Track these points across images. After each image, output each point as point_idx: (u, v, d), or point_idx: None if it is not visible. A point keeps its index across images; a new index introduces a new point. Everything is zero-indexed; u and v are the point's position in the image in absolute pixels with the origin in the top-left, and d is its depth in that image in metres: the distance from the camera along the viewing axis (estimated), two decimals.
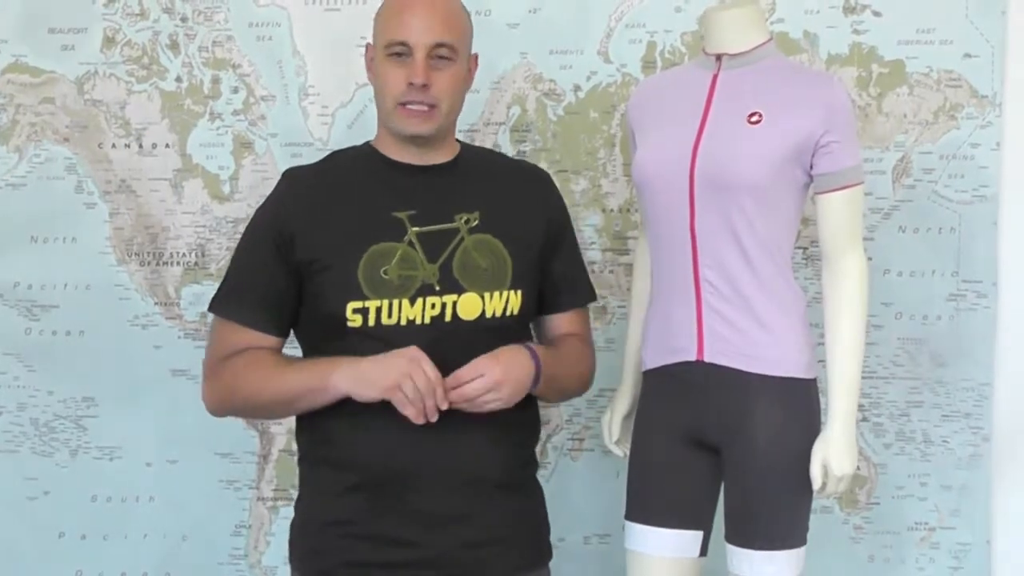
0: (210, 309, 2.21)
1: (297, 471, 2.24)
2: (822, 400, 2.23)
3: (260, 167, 2.82)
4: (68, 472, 2.88)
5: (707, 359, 2.20)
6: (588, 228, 2.83)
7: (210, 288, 2.80)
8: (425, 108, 2.10)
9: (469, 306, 2.10)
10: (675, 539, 2.26)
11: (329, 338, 2.10)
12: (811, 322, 2.27)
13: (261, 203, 2.24)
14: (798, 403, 2.19)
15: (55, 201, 2.84)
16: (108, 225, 2.84)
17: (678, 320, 2.23)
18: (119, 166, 2.83)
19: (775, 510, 2.18)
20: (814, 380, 2.23)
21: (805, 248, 2.77)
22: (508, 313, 2.14)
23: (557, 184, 2.78)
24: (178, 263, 2.85)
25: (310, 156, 2.79)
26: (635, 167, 2.27)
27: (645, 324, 2.34)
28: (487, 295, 2.12)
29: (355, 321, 2.07)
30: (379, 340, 2.05)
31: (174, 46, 2.82)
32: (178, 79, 2.82)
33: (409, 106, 2.10)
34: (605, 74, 2.80)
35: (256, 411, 2.28)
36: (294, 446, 2.81)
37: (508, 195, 2.22)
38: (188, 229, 2.84)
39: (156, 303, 2.85)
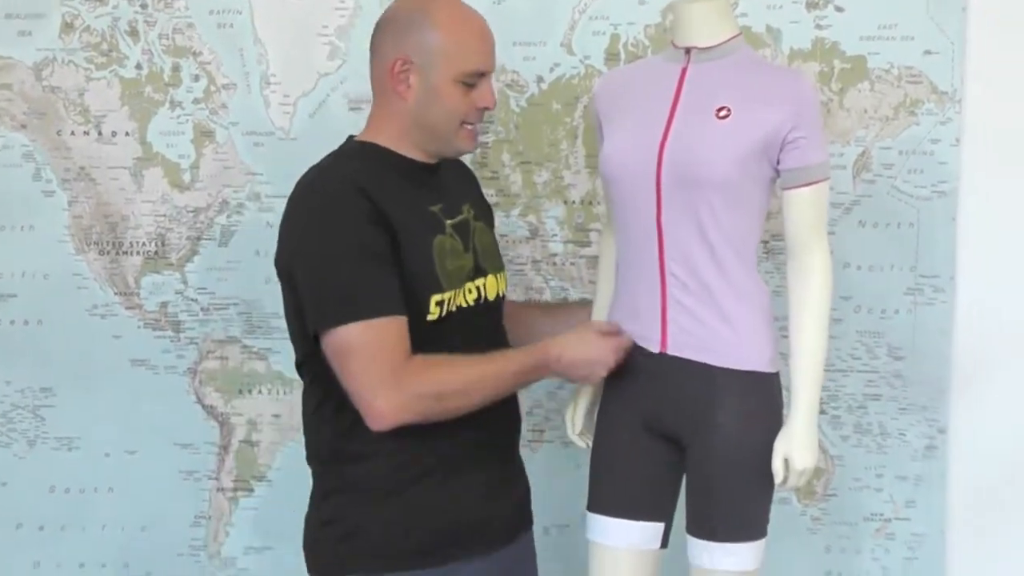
0: (366, 316, 2.05)
1: (309, 471, 2.27)
2: (785, 395, 2.25)
3: (221, 156, 2.82)
4: (26, 463, 2.87)
5: (670, 352, 2.23)
6: (550, 220, 2.84)
7: (170, 278, 2.84)
8: (477, 126, 2.23)
9: (492, 286, 2.28)
10: (636, 530, 2.27)
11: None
12: (774, 316, 2.30)
13: (333, 216, 2.10)
14: (761, 397, 2.21)
15: (12, 189, 2.83)
16: (67, 213, 2.83)
17: (643, 309, 2.25)
18: (78, 154, 2.82)
19: (736, 503, 2.20)
20: (776, 375, 2.25)
21: (766, 242, 2.80)
22: (504, 291, 2.34)
23: (519, 176, 2.82)
24: (138, 252, 2.84)
25: (271, 145, 2.81)
26: (602, 160, 2.28)
27: (609, 315, 2.36)
28: (498, 275, 2.31)
29: (434, 314, 2.13)
30: (442, 329, 2.14)
31: (134, 33, 2.81)
32: (138, 66, 2.81)
33: (470, 127, 2.21)
34: (568, 66, 2.81)
35: (459, 411, 2.14)
36: (254, 436, 2.88)
37: (471, 186, 2.42)
38: (148, 218, 2.83)
39: (115, 293, 2.84)
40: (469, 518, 2.20)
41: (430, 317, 2.13)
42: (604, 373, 2.25)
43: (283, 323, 2.78)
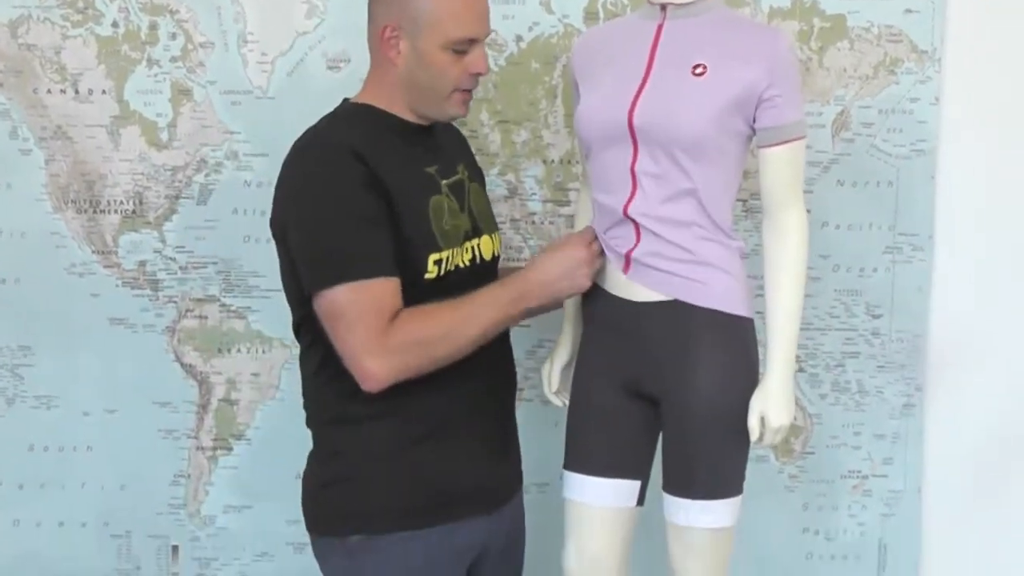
0: (351, 278, 2.05)
1: (308, 431, 2.26)
2: (761, 353, 2.26)
3: (199, 115, 2.81)
4: (4, 421, 2.88)
5: (630, 276, 2.22)
6: (529, 179, 2.84)
7: (148, 236, 2.83)
8: (470, 92, 2.22)
9: (487, 247, 2.28)
10: (612, 488, 2.29)
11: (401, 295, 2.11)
12: (750, 274, 2.30)
13: (327, 180, 2.08)
14: (737, 347, 2.22)
15: None
16: (44, 172, 2.82)
17: (615, 243, 2.25)
18: (55, 112, 2.81)
19: (712, 460, 2.21)
20: (752, 323, 2.25)
21: (744, 200, 2.81)
22: (499, 251, 2.34)
23: (498, 135, 2.81)
24: (115, 211, 2.83)
25: (249, 104, 2.80)
26: (577, 118, 2.28)
27: None
28: (493, 236, 2.32)
29: (432, 272, 2.14)
30: (440, 289, 2.14)
31: None
32: (114, 24, 2.79)
33: (463, 92, 2.20)
34: (547, 25, 2.80)
35: (450, 357, 2.12)
36: (233, 395, 2.88)
37: (463, 148, 2.41)
38: (126, 177, 2.82)
39: (93, 251, 2.84)
40: (471, 478, 2.21)
41: (428, 276, 2.13)
42: (587, 280, 2.23)
43: (262, 282, 2.83)
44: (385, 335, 2.05)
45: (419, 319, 2.08)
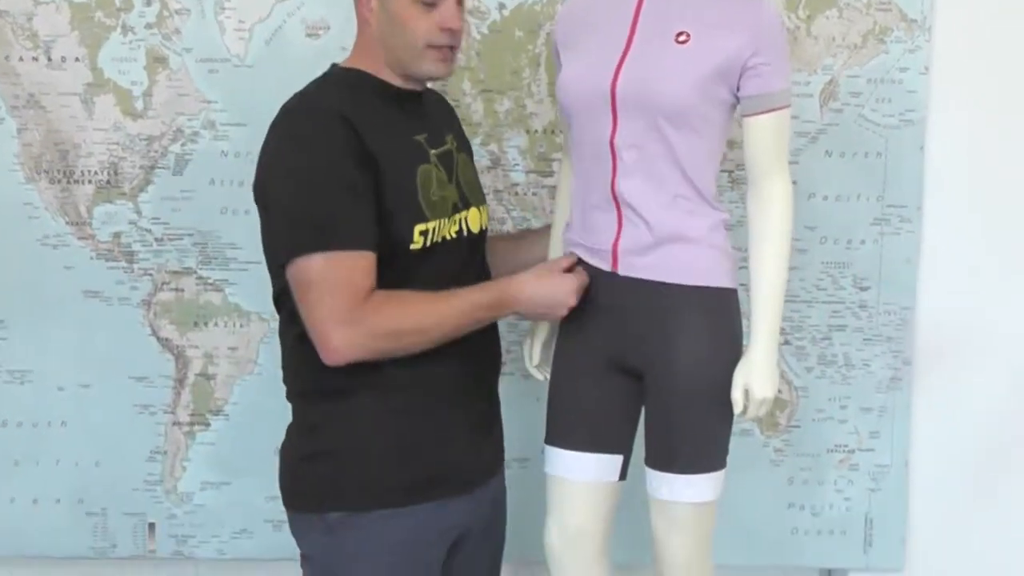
0: (327, 247, 2.02)
1: (290, 406, 2.24)
2: (745, 325, 2.24)
3: (175, 83, 2.77)
4: None
5: (621, 272, 2.21)
6: (512, 149, 2.81)
7: (123, 207, 2.80)
8: (449, 50, 2.18)
9: (475, 219, 2.27)
10: (594, 463, 2.27)
11: (382, 262, 2.09)
12: (735, 246, 2.28)
13: (313, 145, 2.05)
14: (720, 318, 2.21)
15: None
16: (16, 141, 2.78)
17: (598, 229, 2.24)
18: (27, 80, 2.76)
19: (695, 433, 2.20)
20: (735, 293, 2.24)
21: (730, 172, 2.78)
22: (487, 225, 2.33)
23: (480, 104, 2.78)
24: (89, 181, 2.79)
25: (227, 72, 2.76)
26: (558, 86, 2.25)
27: (565, 241, 2.34)
28: (480, 209, 2.30)
29: (418, 243, 2.12)
30: (427, 260, 2.13)
31: None
32: None
33: (437, 49, 2.16)
34: None
35: (415, 349, 2.12)
36: (210, 369, 2.85)
37: (452, 118, 2.40)
38: (100, 146, 2.78)
39: (67, 222, 2.80)
40: (455, 456, 2.20)
41: (413, 247, 2.11)
42: (564, 312, 2.24)
43: (239, 254, 2.81)
44: (355, 311, 2.04)
45: (395, 306, 2.07)
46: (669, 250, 2.19)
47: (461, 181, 2.25)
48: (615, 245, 2.22)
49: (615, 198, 2.20)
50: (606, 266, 2.23)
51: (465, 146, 2.36)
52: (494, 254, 2.41)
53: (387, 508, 2.14)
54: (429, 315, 2.09)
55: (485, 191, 2.73)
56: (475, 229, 2.26)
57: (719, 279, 2.21)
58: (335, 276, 2.03)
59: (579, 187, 2.27)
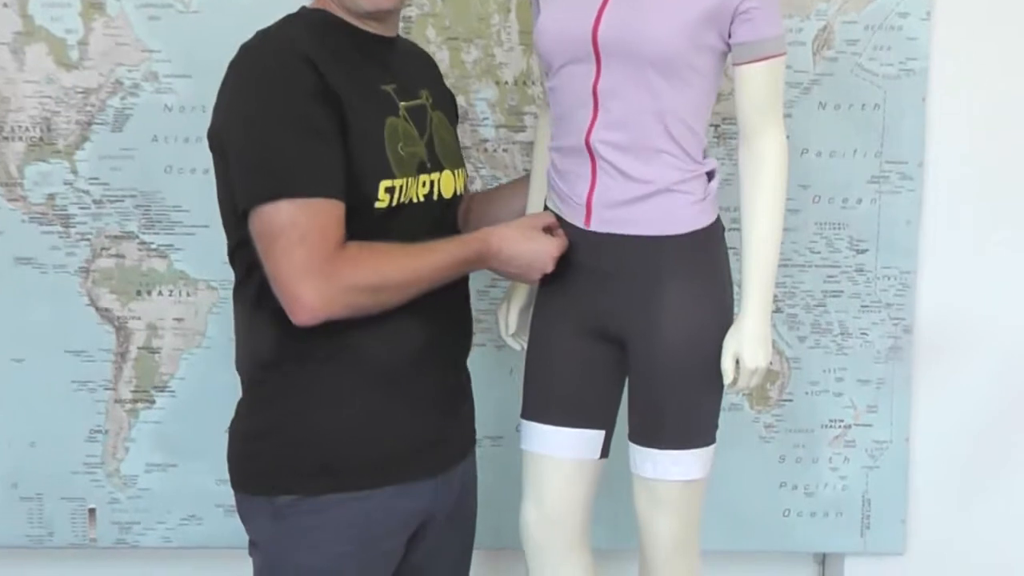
0: (294, 193, 2.01)
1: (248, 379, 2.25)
2: (736, 292, 2.29)
3: (113, 31, 2.78)
4: None
5: (593, 227, 2.25)
6: (480, 102, 2.84)
7: (58, 167, 2.81)
8: None
9: (448, 183, 2.27)
10: (575, 439, 2.32)
11: (348, 224, 2.09)
12: (724, 206, 2.33)
13: (274, 85, 2.05)
14: (708, 281, 2.25)
15: None
16: None
17: (571, 179, 2.27)
18: None
19: (683, 406, 2.24)
20: (720, 229, 2.29)
21: (717, 126, 2.82)
22: (462, 190, 2.35)
23: (446, 54, 2.82)
24: (20, 138, 2.81)
25: (170, 20, 2.78)
26: (537, 33, 2.28)
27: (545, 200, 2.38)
28: (455, 172, 2.31)
29: (383, 201, 2.12)
30: (393, 223, 2.14)
31: None
32: None
33: None
34: None
35: (391, 306, 2.11)
36: (155, 342, 2.87)
37: (431, 73, 2.41)
38: (32, 100, 2.80)
39: None
40: (418, 435, 2.21)
41: (378, 205, 2.12)
42: (537, 276, 2.28)
43: (185, 217, 2.83)
44: (329, 263, 2.02)
45: (372, 258, 2.07)
46: (648, 203, 2.22)
47: (434, 140, 2.26)
48: (589, 197, 2.25)
49: (589, 149, 2.23)
50: (579, 221, 2.27)
51: (444, 104, 2.36)
52: (466, 212, 2.45)
53: (341, 492, 2.14)
54: (408, 269, 2.10)
55: None
56: (447, 194, 2.27)
57: (703, 219, 2.24)
58: (305, 224, 2.01)
59: (556, 136, 2.31)
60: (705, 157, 2.28)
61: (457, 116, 2.48)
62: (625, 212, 2.23)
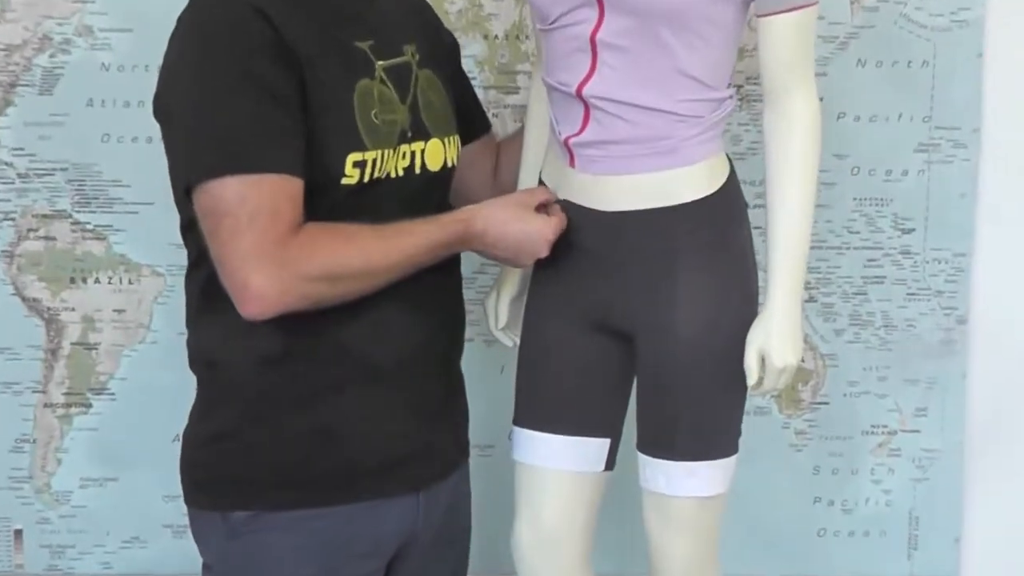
0: (244, 168, 2.01)
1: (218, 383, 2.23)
2: (761, 277, 2.29)
3: None
4: None
5: (578, 168, 2.25)
6: (467, 59, 2.81)
7: None
8: None
9: (435, 154, 2.27)
10: (575, 448, 2.33)
11: (305, 201, 2.08)
12: (748, 180, 2.34)
13: (223, 43, 2.05)
14: (728, 259, 2.25)
15: None
16: None
17: (561, 119, 2.27)
18: None
19: (699, 410, 2.24)
20: (737, 199, 2.29)
21: (740, 86, 2.83)
22: (455, 161, 2.34)
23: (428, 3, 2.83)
24: None
25: None
26: None
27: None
28: (446, 140, 2.30)
29: (351, 177, 2.11)
30: (364, 202, 2.13)
31: None
32: None
33: None
34: None
35: (355, 296, 2.11)
36: (91, 337, 2.88)
37: (420, 22, 2.40)
38: None
39: None
40: (403, 440, 2.22)
41: (346, 182, 2.11)
42: (529, 262, 2.29)
43: (126, 192, 2.84)
44: (282, 247, 2.02)
45: (332, 242, 2.06)
46: (648, 151, 2.22)
47: (419, 104, 2.25)
48: (568, 139, 2.25)
49: (582, 99, 2.22)
50: (563, 161, 2.28)
51: (435, 61, 2.34)
52: (495, 167, 2.51)
53: (306, 507, 2.15)
54: (375, 253, 2.09)
55: None
56: (435, 166, 2.27)
57: (717, 179, 2.25)
58: (255, 203, 2.01)
59: (551, 103, 2.31)
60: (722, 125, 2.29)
61: (457, 64, 2.49)
62: (619, 152, 2.22)
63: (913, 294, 2.97)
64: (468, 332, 2.77)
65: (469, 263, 2.76)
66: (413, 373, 2.23)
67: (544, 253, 2.26)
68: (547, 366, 2.36)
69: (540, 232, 2.25)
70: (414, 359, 2.23)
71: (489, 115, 2.82)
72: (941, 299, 2.97)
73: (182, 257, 2.23)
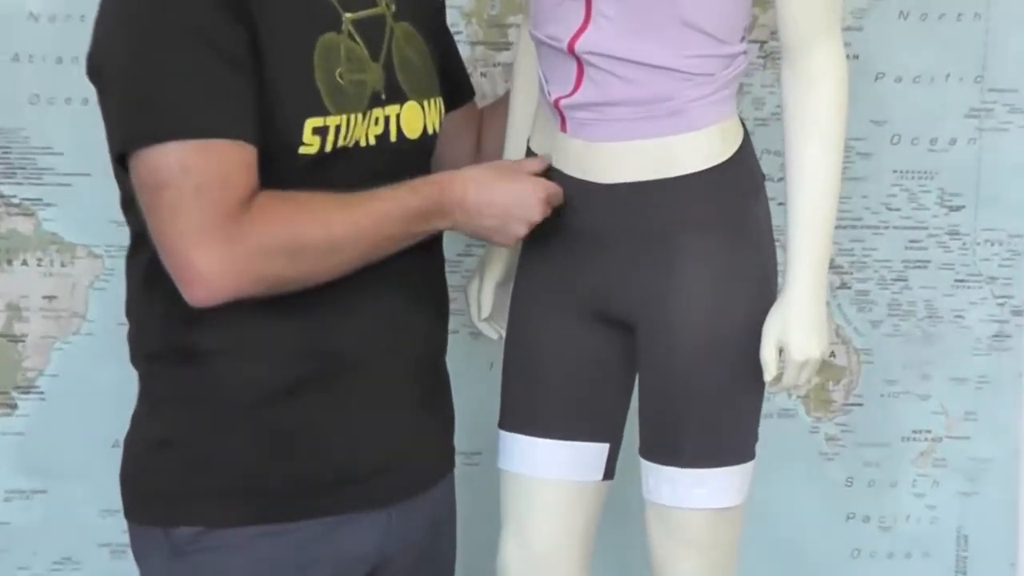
0: (187, 134, 2.00)
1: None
2: (781, 258, 2.27)
3: None
4: None
5: (569, 132, 2.24)
6: (452, 10, 2.80)
7: None
8: None
9: (412, 119, 2.26)
10: (570, 455, 2.33)
11: (261, 176, 2.07)
12: (769, 149, 2.34)
13: None
14: (740, 235, 2.24)
15: None
16: None
17: (553, 79, 2.26)
18: None
19: (709, 410, 2.23)
20: (752, 169, 2.28)
21: (763, 43, 2.84)
22: (438, 127, 2.34)
23: None
24: None
25: None
26: None
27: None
28: (426, 104, 2.29)
29: (311, 146, 2.10)
30: (326, 175, 2.11)
31: None
32: None
33: None
34: None
35: (321, 277, 2.09)
36: (17, 327, 2.90)
37: None
38: None
39: None
40: (372, 450, 2.22)
41: (305, 151, 2.10)
42: (523, 231, 2.25)
43: (59, 162, 2.85)
44: (232, 221, 2.00)
45: (290, 213, 2.05)
46: (650, 113, 2.20)
47: (395, 62, 2.24)
48: (558, 101, 2.24)
49: (574, 55, 2.21)
50: (554, 125, 2.27)
51: (415, 13, 2.34)
52: (479, 135, 2.51)
53: (260, 523, 2.15)
54: (340, 224, 2.07)
55: None
56: (413, 133, 2.26)
57: (729, 146, 2.24)
58: (201, 172, 1.99)
59: (540, 61, 2.31)
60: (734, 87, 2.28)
61: (442, 19, 2.50)
62: (614, 112, 2.21)
63: (961, 280, 2.97)
64: (452, 322, 2.79)
65: (454, 243, 2.79)
66: (387, 370, 2.23)
67: (538, 217, 2.22)
68: (537, 361, 2.36)
69: (531, 192, 2.23)
70: (389, 354, 2.23)
71: (477, 75, 2.85)
72: (994, 286, 2.97)
73: (123, 236, 2.23)
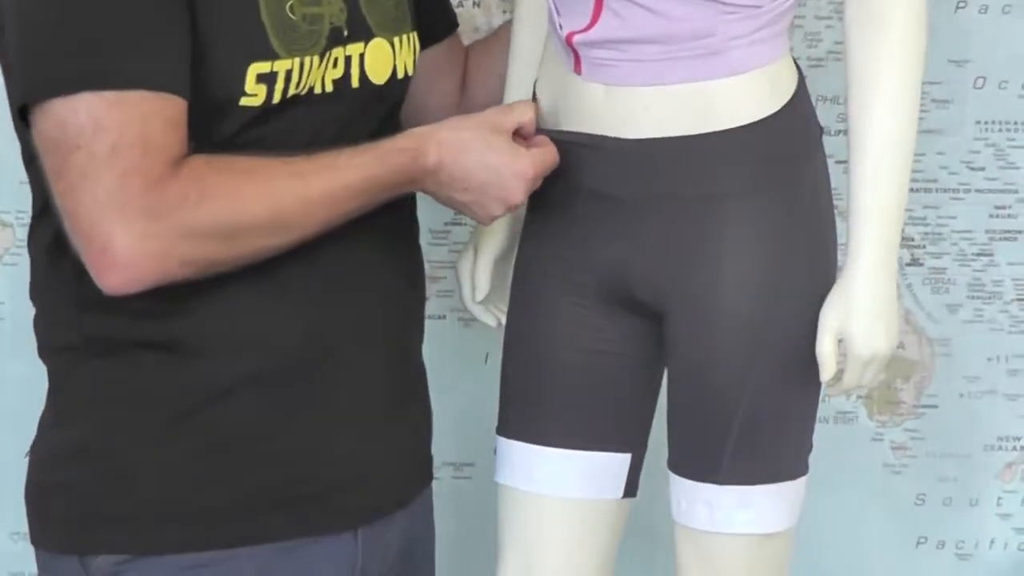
0: (101, 84, 1.98)
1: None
2: (841, 231, 2.31)
3: None
4: None
5: (584, 74, 2.25)
6: None
7: None
8: None
9: (378, 60, 2.28)
10: (584, 467, 2.36)
11: (192, 130, 2.08)
12: (825, 95, 2.37)
13: None
14: (790, 207, 2.25)
15: None
16: None
17: (569, 12, 2.26)
18: None
19: (753, 416, 2.24)
20: (808, 122, 2.29)
21: None
22: (411, 69, 2.36)
23: None
24: None
25: None
26: None
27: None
28: (396, 41, 2.31)
29: (255, 96, 2.10)
30: (275, 129, 2.14)
31: None
32: None
33: None
34: None
35: (263, 255, 2.10)
36: None
37: None
38: None
39: None
40: (331, 461, 2.24)
41: (248, 103, 2.11)
42: (500, 212, 2.27)
43: None
44: (156, 191, 1.99)
45: (232, 181, 2.05)
46: (683, 52, 2.21)
47: None
48: (570, 37, 2.25)
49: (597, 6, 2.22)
50: (567, 66, 2.28)
51: None
52: (464, 77, 2.56)
53: (195, 550, 2.17)
54: (289, 196, 2.08)
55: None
56: (379, 78, 2.28)
57: (781, 96, 2.25)
58: (118, 130, 1.98)
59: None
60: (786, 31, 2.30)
61: None
62: (639, 51, 2.22)
63: None
64: (439, 306, 2.84)
65: (442, 209, 2.81)
66: (347, 365, 2.25)
67: (518, 199, 2.24)
68: (544, 353, 2.38)
69: (512, 166, 2.23)
70: (349, 344, 2.25)
71: (468, 2, 2.87)
72: None
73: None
